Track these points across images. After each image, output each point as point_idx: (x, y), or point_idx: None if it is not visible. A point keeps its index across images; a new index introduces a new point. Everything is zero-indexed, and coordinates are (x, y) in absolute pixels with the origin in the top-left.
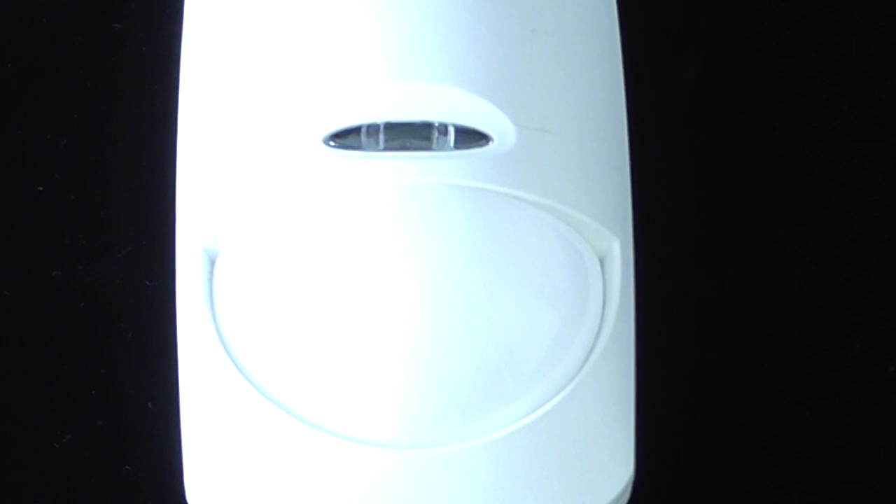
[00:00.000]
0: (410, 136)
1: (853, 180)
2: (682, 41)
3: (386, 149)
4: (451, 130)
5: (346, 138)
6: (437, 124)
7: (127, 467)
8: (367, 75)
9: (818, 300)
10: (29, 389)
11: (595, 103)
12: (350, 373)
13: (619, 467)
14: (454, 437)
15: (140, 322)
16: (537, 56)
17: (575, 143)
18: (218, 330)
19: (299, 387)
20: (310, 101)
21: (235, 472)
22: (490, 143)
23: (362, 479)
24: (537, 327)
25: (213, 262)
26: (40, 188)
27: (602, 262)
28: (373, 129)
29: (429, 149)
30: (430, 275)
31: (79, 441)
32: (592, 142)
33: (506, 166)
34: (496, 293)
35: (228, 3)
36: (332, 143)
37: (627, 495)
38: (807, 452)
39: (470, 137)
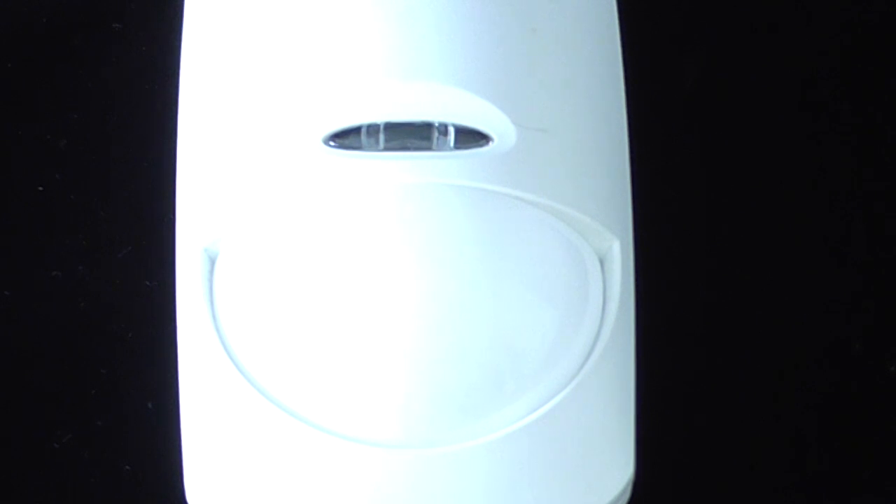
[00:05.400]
0: (410, 136)
1: (853, 180)
2: (682, 41)
3: (386, 149)
4: (451, 130)
5: (346, 138)
6: (437, 124)
7: (127, 467)
8: (367, 75)
9: (818, 300)
10: (29, 389)
11: (595, 103)
12: (350, 373)
13: (619, 467)
14: (454, 437)
15: (140, 322)
16: (537, 56)
17: (575, 143)
18: (218, 330)
19: (299, 387)
20: (310, 102)
21: (235, 472)
22: (490, 143)
23: (362, 479)
24: (537, 327)
25: (213, 262)
26: (40, 188)
27: (602, 262)
28: (373, 129)
29: (429, 149)
30: (430, 275)
31: (79, 441)
32: (592, 142)
33: (506, 166)
34: (496, 293)
35: (228, 3)
36: (332, 143)
37: (627, 495)
38: (807, 452)
39: (470, 137)
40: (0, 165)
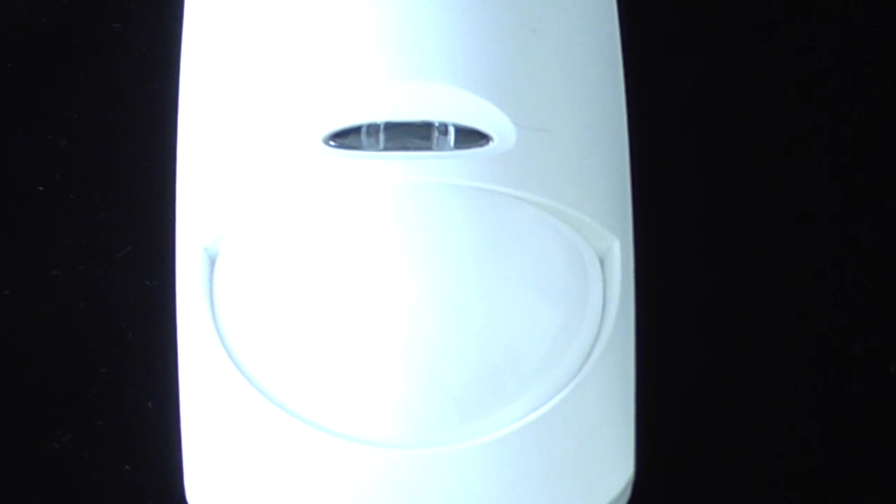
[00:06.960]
0: (410, 136)
1: (853, 180)
2: (682, 41)
3: (386, 149)
4: (451, 130)
5: (346, 138)
6: (437, 124)
7: (127, 467)
8: (367, 75)
9: (818, 300)
10: (29, 389)
11: (595, 103)
12: (350, 373)
13: (619, 467)
14: (454, 437)
15: (140, 322)
16: (537, 56)
17: (575, 143)
18: (218, 330)
19: (299, 387)
20: (310, 101)
21: (235, 472)
22: (490, 143)
23: (362, 479)
24: (537, 327)
25: (213, 262)
26: (40, 188)
27: (602, 262)
28: (373, 129)
29: (429, 149)
30: (430, 275)
31: (79, 441)
32: (592, 142)
33: (506, 166)
34: (496, 293)
35: (228, 3)
36: (332, 142)
37: (627, 495)
38: (807, 452)
39: (470, 137)
40: (0, 165)
